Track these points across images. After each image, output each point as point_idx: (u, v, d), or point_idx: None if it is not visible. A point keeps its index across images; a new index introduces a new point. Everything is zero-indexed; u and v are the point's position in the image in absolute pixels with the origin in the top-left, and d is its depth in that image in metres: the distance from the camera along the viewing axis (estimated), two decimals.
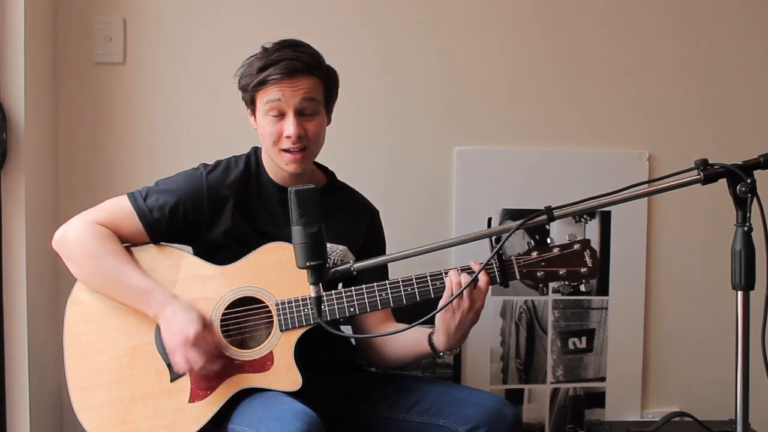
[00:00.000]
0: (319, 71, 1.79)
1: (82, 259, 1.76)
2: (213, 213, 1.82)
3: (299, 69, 1.75)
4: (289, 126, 1.75)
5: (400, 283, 1.71)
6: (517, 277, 1.69)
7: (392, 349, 1.87)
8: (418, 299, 1.70)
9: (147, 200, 1.79)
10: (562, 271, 1.69)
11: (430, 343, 1.76)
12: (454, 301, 1.64)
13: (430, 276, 1.70)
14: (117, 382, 1.73)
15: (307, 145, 1.78)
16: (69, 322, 1.78)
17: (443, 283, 1.68)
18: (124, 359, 1.74)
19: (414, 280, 1.70)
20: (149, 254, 1.79)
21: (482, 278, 1.66)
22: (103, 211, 1.80)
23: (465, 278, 1.65)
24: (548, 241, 1.71)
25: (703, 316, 2.50)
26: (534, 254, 1.69)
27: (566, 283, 1.70)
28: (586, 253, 1.69)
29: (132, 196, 1.81)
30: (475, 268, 1.68)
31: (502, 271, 1.68)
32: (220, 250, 1.81)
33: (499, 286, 1.70)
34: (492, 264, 1.68)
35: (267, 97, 1.76)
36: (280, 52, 1.76)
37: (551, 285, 2.42)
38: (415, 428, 1.77)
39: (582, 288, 1.71)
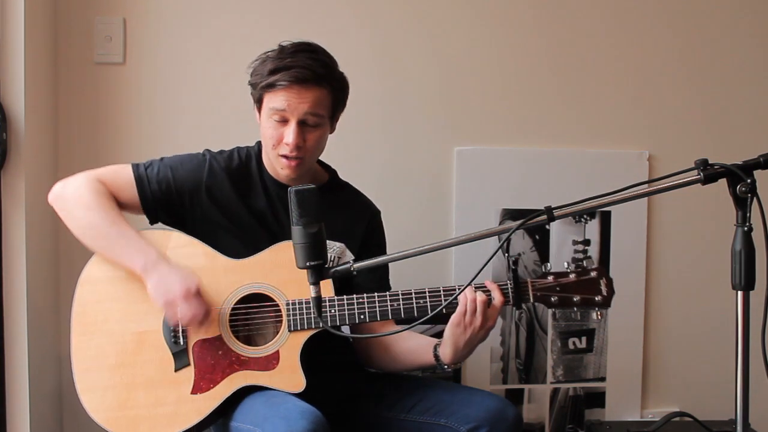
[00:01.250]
0: (329, 83, 1.78)
1: (77, 211, 1.77)
2: (210, 198, 1.82)
3: (309, 79, 1.74)
4: (290, 134, 1.75)
5: (413, 295, 1.71)
6: (531, 300, 1.69)
7: (395, 354, 1.87)
8: (429, 313, 1.69)
9: (148, 171, 1.81)
10: (576, 298, 1.68)
11: (436, 355, 1.76)
12: (467, 319, 1.65)
13: (443, 291, 1.70)
14: (121, 366, 1.73)
15: (303, 155, 1.79)
16: (78, 300, 1.77)
17: (456, 299, 1.67)
18: (130, 345, 1.74)
19: (427, 293, 1.70)
20: (168, 239, 1.79)
21: (497, 298, 1.67)
22: (105, 172, 1.82)
23: (480, 296, 1.65)
24: (564, 265, 1.71)
25: (703, 316, 2.49)
26: (550, 278, 1.69)
27: (577, 309, 1.70)
28: (602, 282, 1.69)
29: (135, 165, 1.83)
30: (490, 287, 1.68)
31: (516, 293, 1.68)
32: (216, 237, 1.81)
33: (512, 307, 1.70)
34: (507, 285, 1.68)
35: (273, 101, 1.76)
36: (295, 58, 1.75)
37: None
38: (416, 428, 1.77)
39: (594, 316, 1.71)
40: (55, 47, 2.26)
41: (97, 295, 1.77)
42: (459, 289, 1.68)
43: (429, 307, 1.70)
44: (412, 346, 1.82)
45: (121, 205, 1.80)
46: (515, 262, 1.61)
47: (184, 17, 2.31)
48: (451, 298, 1.65)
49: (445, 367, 1.75)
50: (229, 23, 2.31)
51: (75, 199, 1.77)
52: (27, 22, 2.03)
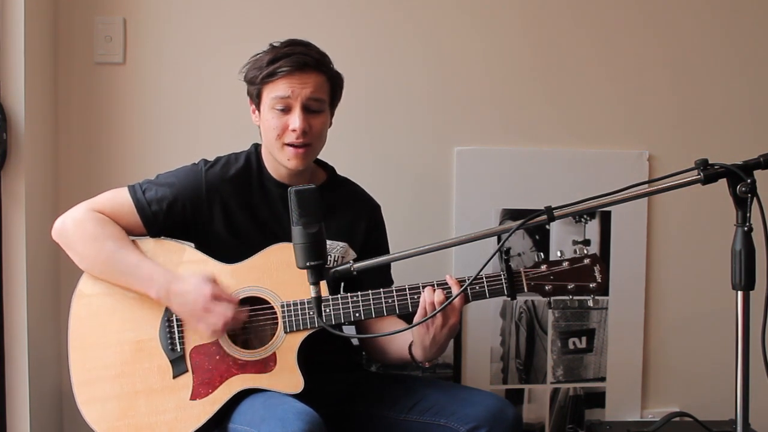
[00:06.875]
0: (327, 69, 1.81)
1: (82, 245, 1.76)
2: (212, 209, 1.82)
3: (309, 63, 1.76)
4: (295, 120, 1.76)
5: (407, 291, 1.69)
6: (525, 289, 1.68)
7: (389, 352, 1.87)
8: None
9: (146, 193, 1.80)
10: (570, 285, 1.68)
11: (411, 355, 1.77)
12: (427, 320, 1.64)
13: (437, 284, 1.69)
14: (120, 376, 1.73)
15: (310, 141, 1.79)
16: (74, 316, 1.78)
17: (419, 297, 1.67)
18: (128, 354, 1.74)
19: (421, 288, 1.68)
20: (154, 249, 1.79)
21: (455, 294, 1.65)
22: (103, 201, 1.81)
23: (439, 295, 1.64)
24: (558, 254, 1.71)
25: (703, 316, 2.49)
26: (543, 267, 1.68)
27: (573, 297, 1.70)
28: (596, 268, 1.68)
29: (132, 189, 1.82)
30: (451, 283, 1.67)
31: (510, 283, 1.67)
32: (221, 246, 1.81)
33: (507, 298, 1.69)
34: (500, 276, 1.67)
35: (275, 90, 1.77)
36: (290, 48, 1.78)
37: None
38: (416, 428, 1.77)
39: (590, 303, 1.71)
40: (55, 47, 2.26)
41: (92, 308, 1.77)
42: (422, 288, 1.67)
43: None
44: (396, 343, 1.82)
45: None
46: (507, 252, 1.61)
47: (183, 17, 2.31)
48: (446, 303, 1.63)
49: (420, 364, 1.77)
50: (230, 23, 2.31)
51: (77, 233, 1.77)
52: (27, 22, 2.04)
